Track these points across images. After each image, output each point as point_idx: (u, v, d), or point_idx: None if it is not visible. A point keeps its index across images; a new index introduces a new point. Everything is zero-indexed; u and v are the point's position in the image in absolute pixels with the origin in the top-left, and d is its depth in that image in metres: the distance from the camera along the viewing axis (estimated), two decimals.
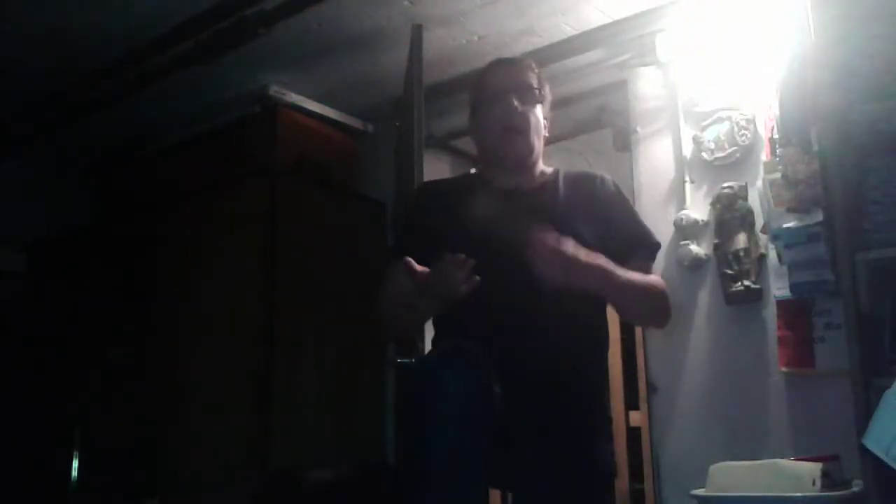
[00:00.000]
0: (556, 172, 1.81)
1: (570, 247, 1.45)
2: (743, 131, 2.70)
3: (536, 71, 1.79)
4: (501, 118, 1.72)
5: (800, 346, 2.44)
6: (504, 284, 1.54)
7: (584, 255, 1.47)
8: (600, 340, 1.70)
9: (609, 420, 1.68)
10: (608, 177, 1.80)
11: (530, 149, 1.73)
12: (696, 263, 2.73)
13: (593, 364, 1.67)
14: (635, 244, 1.72)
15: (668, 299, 1.71)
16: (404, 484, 1.40)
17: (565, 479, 1.48)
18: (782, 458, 2.12)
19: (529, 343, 1.52)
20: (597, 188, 1.76)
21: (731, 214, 2.68)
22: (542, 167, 1.82)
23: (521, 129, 1.71)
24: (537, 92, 1.75)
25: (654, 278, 1.71)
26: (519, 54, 2.80)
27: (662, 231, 2.70)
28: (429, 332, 1.83)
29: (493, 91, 1.75)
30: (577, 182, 1.78)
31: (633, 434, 3.35)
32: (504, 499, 1.78)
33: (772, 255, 2.54)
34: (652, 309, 1.73)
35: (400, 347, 2.55)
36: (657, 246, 1.77)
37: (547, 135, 1.80)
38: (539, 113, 1.75)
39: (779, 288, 2.49)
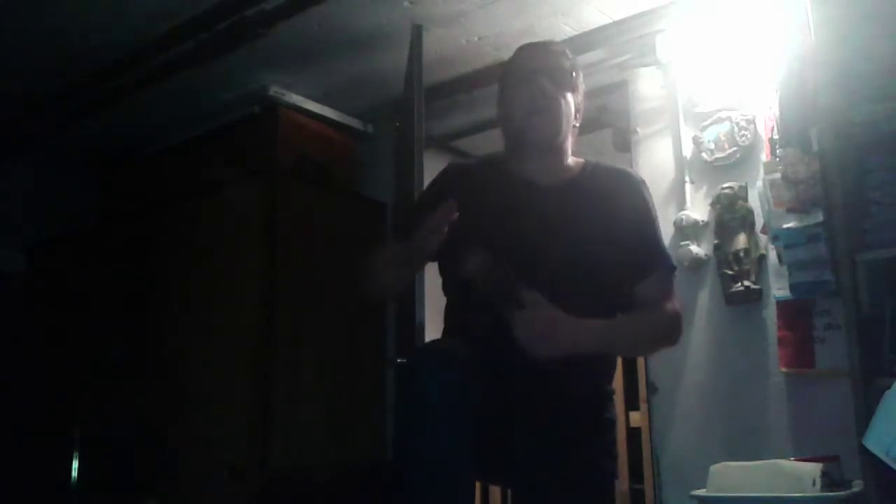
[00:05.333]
0: (584, 168, 1.72)
1: (562, 323, 1.44)
2: (743, 131, 2.70)
3: (570, 57, 1.70)
4: (527, 99, 1.62)
5: (800, 347, 2.44)
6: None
7: (573, 329, 1.45)
8: None
9: (612, 422, 1.66)
10: (642, 183, 1.72)
11: (556, 131, 1.63)
12: (696, 264, 2.73)
13: (597, 364, 1.65)
14: (646, 269, 1.63)
15: (676, 322, 1.63)
16: (394, 482, 1.40)
17: (564, 481, 1.47)
18: (782, 458, 2.12)
19: None
20: (625, 193, 1.67)
21: (731, 215, 2.68)
22: (571, 160, 1.73)
23: (547, 109, 1.62)
24: (570, 76, 1.66)
25: (653, 316, 1.61)
26: None
27: (663, 231, 2.69)
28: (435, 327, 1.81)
29: (521, 72, 1.66)
30: (607, 181, 1.69)
31: (633, 434, 3.34)
32: (504, 495, 1.78)
33: (772, 256, 2.54)
34: (656, 343, 1.70)
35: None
36: (672, 269, 1.68)
37: (577, 125, 1.71)
38: (570, 99, 1.65)
39: (779, 288, 2.50)
